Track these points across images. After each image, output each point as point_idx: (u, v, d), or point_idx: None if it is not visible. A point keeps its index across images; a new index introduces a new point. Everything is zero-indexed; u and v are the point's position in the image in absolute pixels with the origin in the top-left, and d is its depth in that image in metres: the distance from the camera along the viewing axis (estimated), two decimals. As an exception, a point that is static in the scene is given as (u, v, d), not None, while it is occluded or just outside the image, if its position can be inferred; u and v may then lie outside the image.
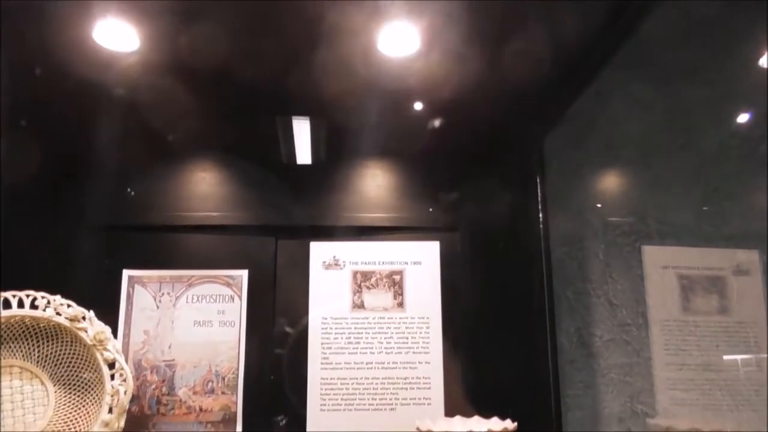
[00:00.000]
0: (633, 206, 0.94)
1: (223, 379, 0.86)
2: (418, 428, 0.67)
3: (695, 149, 0.92)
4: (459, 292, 0.91)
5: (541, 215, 0.91)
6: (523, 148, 0.94)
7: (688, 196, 0.93)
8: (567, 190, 0.93)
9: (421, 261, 0.91)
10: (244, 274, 0.90)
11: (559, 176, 0.93)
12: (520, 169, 0.94)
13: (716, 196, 0.93)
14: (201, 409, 0.85)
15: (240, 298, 0.89)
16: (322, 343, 0.88)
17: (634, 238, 0.94)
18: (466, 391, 0.88)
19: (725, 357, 0.87)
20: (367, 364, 0.88)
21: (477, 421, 0.68)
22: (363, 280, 0.90)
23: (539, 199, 0.91)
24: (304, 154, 0.92)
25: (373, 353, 0.88)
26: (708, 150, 0.92)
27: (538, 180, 0.92)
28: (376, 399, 0.87)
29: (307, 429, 0.86)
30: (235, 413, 0.85)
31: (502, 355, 0.89)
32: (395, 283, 0.91)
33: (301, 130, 0.90)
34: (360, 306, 0.89)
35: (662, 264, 0.90)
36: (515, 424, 0.65)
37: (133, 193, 0.87)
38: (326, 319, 0.89)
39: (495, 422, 0.66)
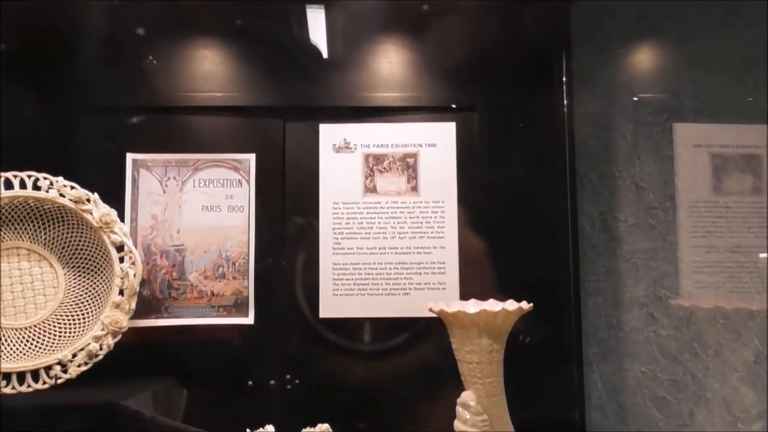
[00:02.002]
0: (666, 82, 0.90)
1: (234, 264, 0.86)
2: (430, 309, 0.65)
3: (739, 17, 0.86)
4: (476, 175, 0.88)
5: (565, 93, 0.88)
6: (546, 20, 0.89)
7: (726, 70, 0.89)
8: (594, 66, 0.90)
9: (436, 143, 0.88)
10: (251, 158, 0.88)
11: (586, 51, 0.90)
12: (543, 44, 0.89)
13: (757, 70, 0.88)
14: (213, 294, 0.85)
15: (248, 182, 0.88)
16: (333, 229, 0.87)
17: (665, 117, 0.90)
18: (482, 276, 0.87)
19: (756, 239, 0.84)
20: (380, 249, 0.87)
21: (492, 303, 0.67)
22: (375, 163, 0.88)
23: (564, 76, 0.88)
24: (313, 31, 0.88)
25: (386, 238, 0.87)
26: (754, 18, 0.85)
27: (563, 55, 0.88)
28: (389, 284, 0.86)
29: (320, 313, 0.86)
30: (247, 298, 0.86)
31: (520, 239, 0.88)
32: (409, 166, 0.88)
33: (312, 10, 0.87)
34: (372, 190, 0.88)
35: (694, 142, 0.87)
36: (530, 305, 0.64)
37: (155, 62, 0.84)
38: (337, 203, 0.87)
39: (510, 303, 0.65)
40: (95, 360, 0.77)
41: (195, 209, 0.87)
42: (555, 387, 0.86)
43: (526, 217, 0.89)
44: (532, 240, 0.88)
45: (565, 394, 0.86)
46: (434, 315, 0.66)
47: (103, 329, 0.78)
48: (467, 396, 0.65)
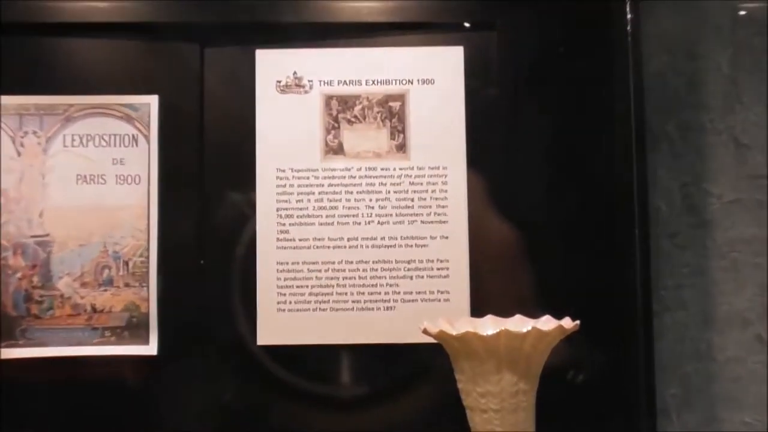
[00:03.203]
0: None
1: (126, 264, 0.80)
2: (425, 331, 0.62)
3: None
4: (494, 128, 0.83)
5: (629, 4, 0.82)
6: None
7: None
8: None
9: (433, 78, 0.82)
10: (152, 101, 0.82)
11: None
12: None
13: None
14: (94, 309, 0.79)
15: (147, 139, 0.81)
16: (278, 210, 0.81)
17: (783, 40, 0.85)
18: (504, 281, 0.82)
19: None
20: (349, 240, 0.81)
21: (518, 321, 0.64)
22: (341, 109, 0.82)
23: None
24: None
25: (359, 224, 0.81)
26: None
27: (624, -54, 0.83)
28: (363, 293, 0.80)
29: (258, 339, 0.81)
30: (147, 316, 0.80)
31: (560, 225, 0.83)
32: (393, 113, 0.82)
33: None
34: (337, 151, 0.82)
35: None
36: (576, 323, 0.61)
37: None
38: (283, 171, 0.81)
39: (545, 321, 0.62)
40: None
41: (66, 181, 0.81)
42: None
43: (571, 191, 0.84)
44: (579, 226, 0.83)
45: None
46: (431, 340, 0.62)
47: None
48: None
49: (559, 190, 0.84)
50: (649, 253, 0.83)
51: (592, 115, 0.84)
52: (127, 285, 0.81)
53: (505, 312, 0.66)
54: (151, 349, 0.80)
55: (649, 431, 0.82)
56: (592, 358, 0.81)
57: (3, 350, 0.78)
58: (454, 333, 0.60)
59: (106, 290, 0.80)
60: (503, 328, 0.59)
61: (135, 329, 0.81)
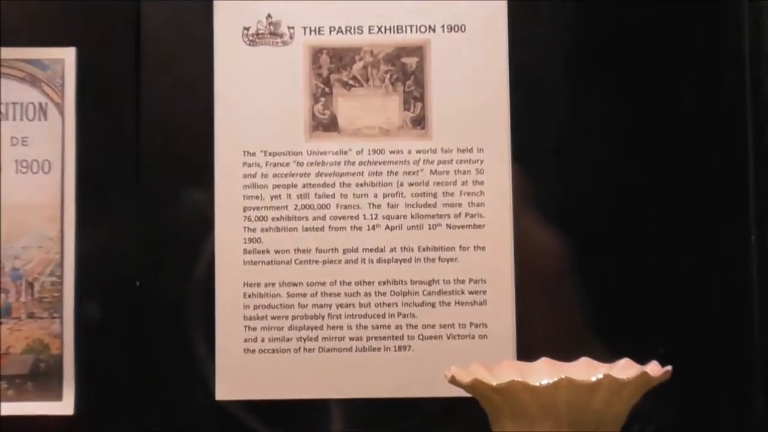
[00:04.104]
0: None
1: (31, 286, 0.79)
2: (452, 379, 0.60)
3: None
4: (550, 96, 0.81)
5: None
6: None
7: None
8: None
9: (464, 24, 0.81)
10: (67, 56, 0.80)
11: None
12: None
13: None
14: None
15: (60, 109, 0.80)
16: (245, 209, 0.79)
17: None
18: (564, 310, 0.80)
19: None
20: (346, 252, 0.79)
21: (583, 366, 0.62)
22: (335, 68, 0.80)
23: None
24: None
25: (360, 229, 0.79)
26: None
27: None
28: (366, 327, 0.78)
29: (216, 393, 0.78)
30: (60, 359, 0.78)
31: (642, 234, 0.80)
32: (407, 73, 0.80)
33: None
34: (328, 126, 0.80)
35: None
36: (668, 368, 0.58)
37: None
38: (253, 155, 0.79)
39: (623, 367, 0.60)
40: None
41: None
42: None
43: (658, 186, 0.82)
44: (670, 235, 0.81)
45: None
46: (462, 393, 0.60)
47: None
48: None
49: (641, 185, 0.82)
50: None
51: (692, 83, 0.83)
52: (31, 316, 0.79)
53: (565, 354, 0.64)
54: (65, 407, 0.78)
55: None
56: (692, 419, 0.79)
57: None
58: (495, 383, 0.57)
59: (1, 323, 0.79)
60: (564, 376, 0.55)
61: (43, 378, 0.79)
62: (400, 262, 0.78)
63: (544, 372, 0.61)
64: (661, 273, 0.80)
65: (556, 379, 0.54)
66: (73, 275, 0.78)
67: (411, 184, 0.79)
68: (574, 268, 0.79)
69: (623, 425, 0.60)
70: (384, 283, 0.78)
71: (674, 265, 0.80)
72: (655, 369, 0.57)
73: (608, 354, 0.62)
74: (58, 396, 0.77)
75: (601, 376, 0.54)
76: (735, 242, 0.81)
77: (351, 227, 0.78)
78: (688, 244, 0.81)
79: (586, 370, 0.60)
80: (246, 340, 0.77)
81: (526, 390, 0.55)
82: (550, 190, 0.80)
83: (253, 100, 0.80)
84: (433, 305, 0.78)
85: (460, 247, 0.78)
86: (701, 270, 0.80)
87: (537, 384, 0.55)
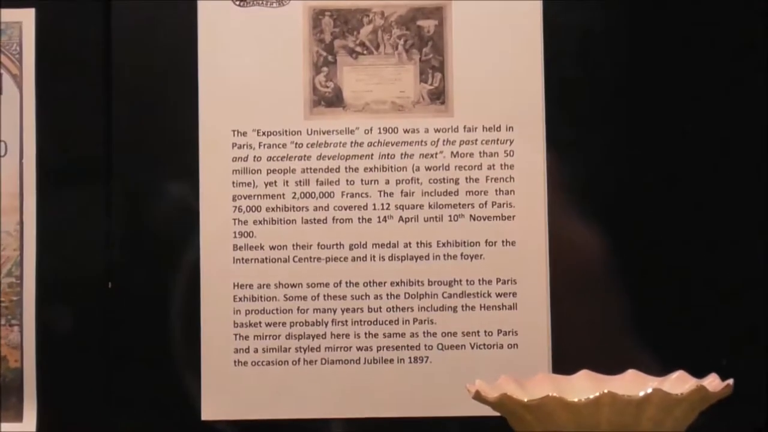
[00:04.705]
0: None
1: None
2: (476, 396, 0.59)
3: None
4: (592, 67, 0.80)
5: None
6: None
7: None
8: None
9: None
10: (25, 19, 0.80)
11: None
12: None
13: None
14: None
15: (17, 82, 0.80)
16: (234, 198, 0.79)
17: None
18: (607, 315, 0.79)
19: None
20: (353, 248, 0.79)
21: (630, 380, 0.63)
22: (340, 33, 0.80)
23: None
24: None
25: (369, 221, 0.79)
26: None
27: None
28: (376, 335, 0.79)
29: (202, 413, 0.78)
30: (20, 373, 0.79)
31: (695, 227, 0.80)
32: (424, 39, 0.80)
33: None
34: (332, 101, 0.80)
35: None
36: (729, 382, 0.56)
37: None
38: (244, 135, 0.80)
39: (676, 380, 0.60)
40: None
41: None
42: None
43: (713, 175, 0.81)
44: (728, 229, 0.80)
45: None
46: (488, 411, 0.59)
47: None
48: None
49: (696, 172, 0.82)
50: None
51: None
52: None
53: (608, 366, 0.63)
54: (25, 427, 0.79)
55: None
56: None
57: None
58: (526, 399, 0.57)
59: None
60: (606, 391, 0.54)
61: (1, 396, 0.79)
62: (417, 259, 0.78)
63: (583, 387, 0.60)
64: (720, 273, 0.79)
65: (597, 394, 0.53)
66: (34, 276, 0.78)
67: (429, 169, 0.78)
68: (618, 266, 0.79)
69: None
70: (397, 284, 0.78)
71: (731, 263, 0.80)
72: (714, 383, 0.56)
73: (658, 366, 0.62)
74: (18, 416, 0.77)
75: (650, 390, 0.53)
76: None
77: (359, 219, 0.78)
78: (749, 241, 0.80)
79: (633, 384, 0.59)
80: (236, 351, 0.77)
81: (563, 407, 0.53)
82: (591, 177, 0.80)
83: (244, 71, 0.79)
84: (454, 310, 0.77)
85: (487, 242, 0.78)
86: (763, 269, 0.80)
87: (576, 400, 0.54)
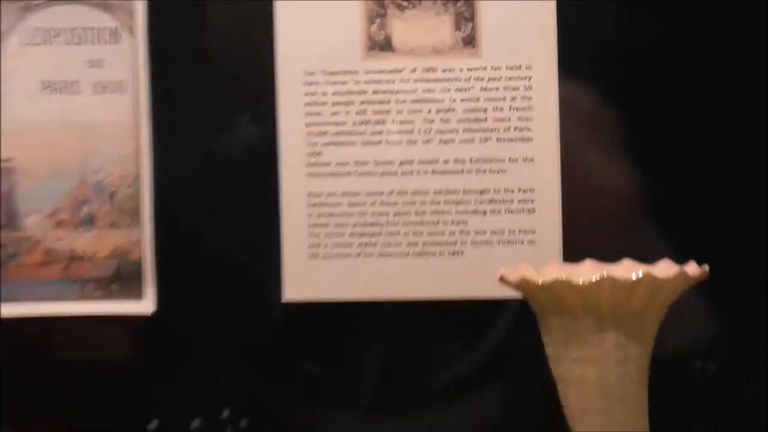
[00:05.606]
0: None
1: (111, 197, 0.85)
2: (502, 278, 0.63)
3: None
4: (599, 11, 0.84)
5: None
6: None
7: None
8: None
9: None
10: None
11: None
12: None
13: None
14: (73, 256, 0.85)
15: (132, 33, 0.85)
16: (307, 125, 0.84)
17: None
18: (609, 218, 0.85)
19: None
20: (402, 164, 0.84)
21: (625, 267, 0.64)
22: None
23: None
24: None
25: (415, 143, 0.84)
26: None
27: None
28: (421, 233, 0.84)
29: (283, 294, 0.85)
30: (140, 263, 0.85)
31: (684, 145, 0.84)
32: None
33: None
34: (384, 46, 0.84)
35: None
36: (705, 268, 0.61)
37: None
38: (313, 74, 0.84)
39: (662, 267, 0.62)
40: None
41: (29, 88, 0.85)
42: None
43: (700, 99, 0.85)
44: (710, 146, 0.85)
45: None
46: (510, 293, 0.63)
47: None
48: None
49: (685, 99, 0.86)
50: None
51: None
52: (113, 224, 0.85)
53: (608, 257, 0.67)
54: (145, 306, 0.85)
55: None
56: (723, 323, 0.85)
57: (-46, 307, 0.84)
58: (541, 282, 0.61)
59: (86, 231, 0.85)
60: (606, 274, 0.59)
61: (125, 281, 0.85)
62: (453, 173, 0.84)
63: (588, 272, 0.62)
64: (702, 182, 0.84)
65: (598, 277, 0.58)
66: (149, 187, 0.85)
67: (462, 101, 0.84)
68: (620, 176, 0.84)
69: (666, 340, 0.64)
70: (438, 192, 0.84)
71: (713, 174, 0.84)
72: (692, 269, 0.61)
73: (649, 259, 0.64)
74: (138, 296, 0.84)
75: (641, 275, 0.58)
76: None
77: (406, 141, 0.84)
78: (727, 152, 0.84)
79: (628, 270, 0.61)
80: (310, 246, 0.84)
81: (571, 288, 0.58)
82: (597, 103, 0.85)
83: (313, 23, 0.85)
84: (484, 213, 0.83)
85: (510, 158, 0.83)
86: (737, 178, 0.83)
87: (580, 282, 0.59)
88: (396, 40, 0.85)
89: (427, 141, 0.84)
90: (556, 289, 0.59)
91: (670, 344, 0.73)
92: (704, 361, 0.85)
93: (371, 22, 0.85)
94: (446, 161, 0.84)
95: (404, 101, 0.85)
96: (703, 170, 0.86)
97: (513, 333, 0.85)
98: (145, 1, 0.85)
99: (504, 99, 0.84)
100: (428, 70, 0.85)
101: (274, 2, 0.86)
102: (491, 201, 0.84)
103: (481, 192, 0.84)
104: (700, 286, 0.68)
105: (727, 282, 0.74)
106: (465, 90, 0.84)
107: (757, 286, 0.84)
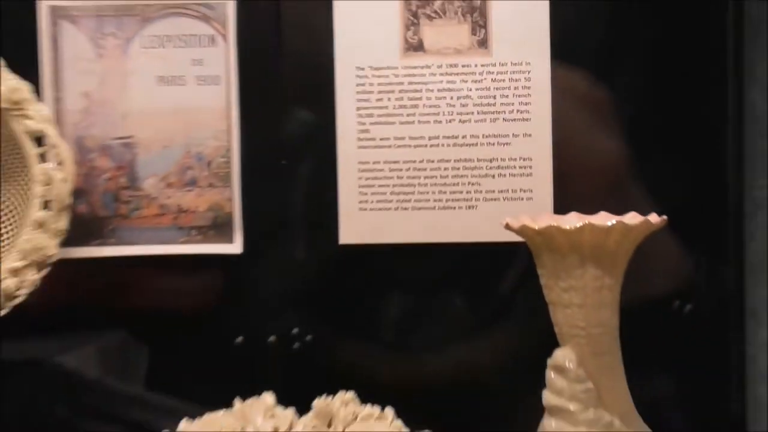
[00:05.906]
0: None
1: (209, 164, 0.94)
2: (507, 225, 0.67)
3: None
4: (583, 16, 0.92)
5: None
6: None
7: None
8: None
9: None
10: (229, 1, 0.94)
11: None
12: None
13: None
14: (180, 210, 0.93)
15: (225, 38, 0.93)
16: (357, 109, 0.93)
17: None
18: (589, 181, 0.92)
19: None
20: (430, 139, 0.92)
21: (602, 216, 0.68)
22: (422, 5, 0.92)
23: None
24: None
25: (440, 122, 0.91)
26: None
27: None
28: (445, 192, 0.93)
29: (340, 238, 0.93)
30: (231, 215, 0.95)
31: (647, 122, 0.93)
32: (475, 8, 0.91)
33: None
34: (417, 48, 0.92)
35: None
36: (663, 218, 0.67)
37: None
38: (362, 69, 0.92)
39: (631, 217, 0.67)
40: (13, 302, 0.82)
41: (147, 82, 0.92)
42: (703, 363, 0.92)
43: (658, 84, 0.93)
44: (667, 122, 0.93)
45: (721, 373, 0.93)
46: (514, 238, 0.68)
47: (22, 259, 0.83)
48: (563, 355, 0.66)
49: (647, 83, 0.92)
50: (743, 151, 0.91)
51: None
52: (210, 186, 0.92)
53: (588, 210, 0.68)
54: (236, 248, 0.93)
55: (738, 333, 0.92)
56: (680, 260, 0.90)
57: (95, 249, 0.92)
58: (537, 227, 0.63)
59: (190, 190, 0.92)
60: (587, 222, 0.61)
61: (220, 228, 0.92)
62: (470, 146, 0.91)
63: (572, 221, 0.63)
64: (661, 152, 0.91)
65: (581, 224, 0.60)
66: (238, 157, 0.93)
67: (477, 89, 0.91)
68: (598, 148, 0.91)
69: (639, 270, 0.67)
70: (458, 160, 0.91)
71: (669, 145, 0.91)
72: (654, 218, 0.63)
73: (620, 212, 0.66)
74: (230, 240, 0.92)
75: (614, 222, 0.61)
76: (715, 130, 0.92)
77: (434, 121, 0.91)
78: (681, 128, 0.91)
79: (604, 218, 0.63)
80: (360, 202, 0.92)
81: (560, 232, 0.61)
82: (581, 91, 0.91)
83: (362, 30, 0.92)
84: (493, 177, 0.91)
85: (513, 134, 0.91)
86: (689, 149, 0.91)
87: (567, 227, 0.61)
88: (426, 43, 0.91)
89: (450, 121, 0.92)
90: (549, 233, 0.63)
91: (654, 289, 0.88)
92: (682, 302, 0.90)
93: (407, 29, 0.91)
94: (464, 137, 0.92)
95: (432, 90, 0.92)
96: (667, 137, 0.92)
97: (514, 272, 0.93)
98: (235, 15, 0.92)
99: (509, 88, 0.91)
100: (451, 66, 0.91)
101: (333, 12, 0.92)
102: (498, 167, 0.91)
103: (491, 160, 0.91)
104: (678, 238, 0.82)
105: (698, 233, 0.87)
106: (479, 81, 0.91)
107: (725, 236, 0.91)
